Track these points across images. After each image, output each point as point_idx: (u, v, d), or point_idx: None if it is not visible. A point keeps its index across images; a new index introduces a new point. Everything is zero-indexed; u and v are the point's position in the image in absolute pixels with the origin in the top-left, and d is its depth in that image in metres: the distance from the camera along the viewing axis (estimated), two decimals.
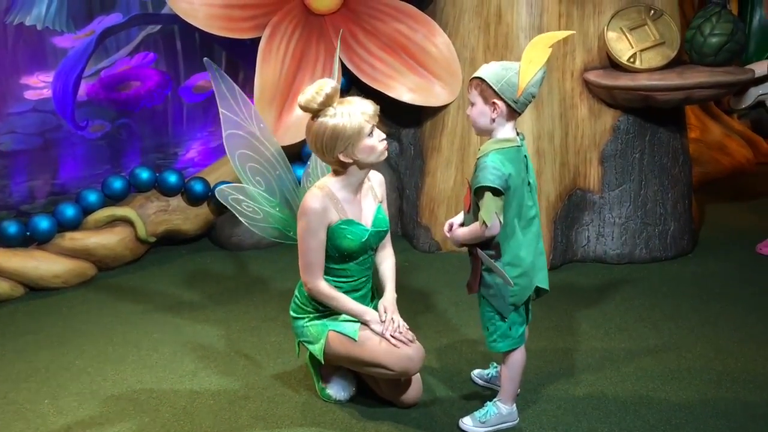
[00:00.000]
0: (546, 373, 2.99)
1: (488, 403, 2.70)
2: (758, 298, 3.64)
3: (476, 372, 2.98)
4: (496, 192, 2.39)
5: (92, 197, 4.14)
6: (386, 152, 2.62)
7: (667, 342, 3.26)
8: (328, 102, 2.51)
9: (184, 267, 4.23)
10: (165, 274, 4.13)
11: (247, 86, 4.58)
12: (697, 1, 5.03)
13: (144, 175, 4.26)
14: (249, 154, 3.39)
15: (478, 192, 2.42)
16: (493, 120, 2.43)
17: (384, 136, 2.59)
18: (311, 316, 2.74)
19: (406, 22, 4.17)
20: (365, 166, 2.61)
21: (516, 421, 2.71)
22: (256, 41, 4.12)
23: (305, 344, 2.77)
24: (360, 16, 4.18)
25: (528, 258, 2.52)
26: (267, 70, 4.06)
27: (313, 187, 2.64)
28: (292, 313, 2.81)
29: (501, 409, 2.67)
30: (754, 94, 5.84)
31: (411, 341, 2.63)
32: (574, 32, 2.69)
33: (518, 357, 2.64)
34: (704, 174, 5.17)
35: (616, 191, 4.03)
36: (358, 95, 4.33)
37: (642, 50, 3.83)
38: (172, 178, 4.28)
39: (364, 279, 2.73)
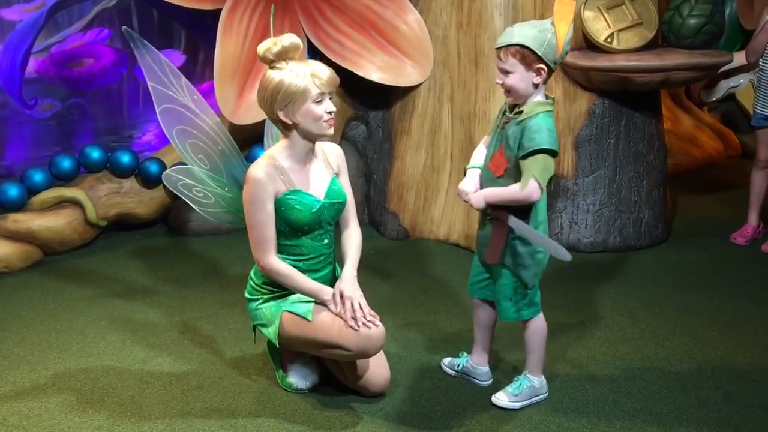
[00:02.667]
0: (519, 363, 2.85)
1: (519, 376, 2.62)
2: (735, 288, 3.57)
3: (446, 361, 2.83)
4: (554, 155, 2.33)
5: (38, 177, 3.93)
6: (331, 128, 2.45)
7: (644, 330, 3.15)
8: (283, 55, 2.38)
9: (137, 252, 4.01)
10: (116, 260, 3.91)
11: (208, 67, 4.39)
12: None
13: (95, 154, 4.04)
14: (187, 129, 3.15)
15: (535, 153, 2.31)
16: (536, 85, 2.36)
17: (334, 109, 2.42)
18: (265, 297, 2.58)
19: None
20: (306, 135, 2.45)
21: (546, 394, 2.62)
22: (216, 19, 3.92)
23: (260, 328, 2.60)
24: None
25: (545, 223, 2.49)
26: (228, 43, 3.86)
27: (259, 158, 2.48)
28: (246, 295, 2.65)
29: (533, 381, 2.60)
30: (724, 87, 5.84)
31: (371, 321, 2.45)
32: None
33: (540, 324, 2.57)
34: (676, 165, 5.12)
35: (590, 177, 3.92)
36: None
37: (619, 30, 3.72)
38: (126, 158, 4.06)
39: (321, 258, 2.55)
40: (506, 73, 2.36)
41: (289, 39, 2.39)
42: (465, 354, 2.80)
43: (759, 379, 2.78)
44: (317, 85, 2.37)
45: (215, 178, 3.22)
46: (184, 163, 3.28)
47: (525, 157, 2.33)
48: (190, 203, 3.26)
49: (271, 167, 2.44)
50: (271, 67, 2.41)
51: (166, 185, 3.25)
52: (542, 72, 2.32)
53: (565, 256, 2.35)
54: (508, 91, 2.38)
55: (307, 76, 2.36)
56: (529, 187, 2.31)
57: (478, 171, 2.50)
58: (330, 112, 2.41)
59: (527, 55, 2.31)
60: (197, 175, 3.19)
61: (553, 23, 2.30)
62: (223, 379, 2.78)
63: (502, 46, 2.35)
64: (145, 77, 3.17)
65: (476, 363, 2.74)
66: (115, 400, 2.65)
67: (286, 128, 2.46)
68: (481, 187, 2.48)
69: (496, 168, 2.43)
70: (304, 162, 2.50)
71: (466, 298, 3.43)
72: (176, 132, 3.16)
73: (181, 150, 3.18)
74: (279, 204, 2.45)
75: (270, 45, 2.39)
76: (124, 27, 3.20)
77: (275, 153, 2.48)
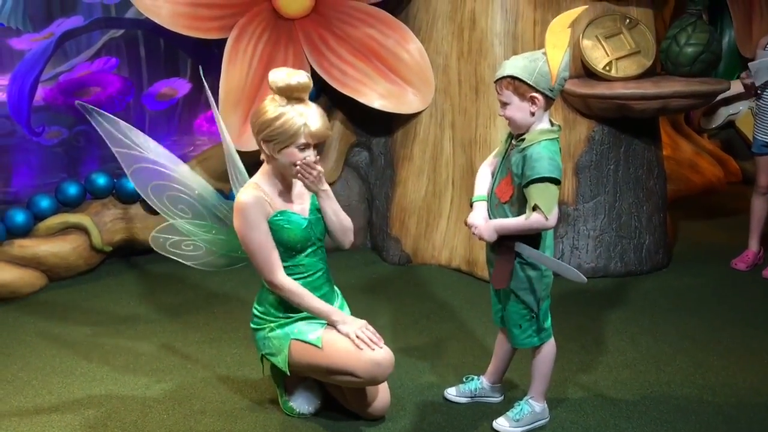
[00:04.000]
0: (522, 387, 2.86)
1: (520, 401, 2.63)
2: (736, 313, 3.58)
3: (452, 390, 2.82)
4: (557, 182, 2.35)
5: (44, 203, 3.96)
6: (300, 177, 2.45)
7: (645, 355, 3.16)
8: (288, 91, 2.42)
9: (142, 278, 4.04)
10: (121, 285, 3.94)
11: (213, 95, 4.45)
12: (670, 12, 5.04)
13: (101, 180, 4.09)
14: (162, 183, 3.15)
15: (536, 182, 2.34)
16: (533, 113, 2.39)
17: (313, 159, 2.44)
18: (272, 326, 2.60)
19: (378, 28, 4.09)
20: (281, 170, 2.51)
21: (547, 419, 2.63)
22: (222, 48, 4.00)
23: (268, 357, 2.62)
24: (331, 20, 4.09)
25: (552, 248, 2.52)
26: (233, 72, 3.93)
27: (245, 186, 2.54)
28: (252, 326, 2.68)
29: (534, 406, 2.61)
30: (724, 114, 5.89)
31: (377, 343, 2.49)
32: (587, 6, 2.76)
33: (550, 350, 2.60)
34: (676, 191, 5.14)
35: (590, 203, 3.95)
36: (329, 103, 4.26)
37: (618, 59, 3.78)
38: (131, 185, 4.08)
39: (320, 273, 2.60)
40: (504, 105, 2.42)
41: (298, 78, 2.41)
42: (473, 377, 2.82)
43: (759, 404, 2.79)
44: (305, 135, 2.41)
45: (200, 224, 3.22)
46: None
47: (527, 185, 2.36)
48: (182, 261, 3.26)
49: (258, 192, 2.49)
50: (275, 97, 2.45)
51: (155, 249, 3.25)
52: (536, 101, 2.37)
53: (579, 278, 2.39)
54: (510, 122, 2.44)
55: (299, 123, 2.40)
56: (533, 217, 2.35)
57: (485, 204, 2.52)
58: (304, 161, 2.41)
59: (519, 86, 2.36)
60: (181, 228, 3.19)
61: (545, 52, 2.36)
62: (226, 404, 2.79)
63: (497, 80, 2.42)
64: (109, 144, 3.17)
65: (491, 382, 2.78)
66: (118, 424, 2.67)
67: (266, 157, 2.52)
68: (489, 212, 2.51)
69: (502, 194, 2.47)
70: (285, 185, 2.56)
71: (468, 323, 3.46)
72: (151, 189, 3.16)
73: (159, 206, 3.17)
74: (270, 227, 2.50)
75: (276, 79, 2.42)
76: (77, 101, 3.21)
77: (257, 180, 2.54)
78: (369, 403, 2.61)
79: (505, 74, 2.38)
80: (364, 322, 2.55)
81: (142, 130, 4.49)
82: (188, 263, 3.27)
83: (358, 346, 2.46)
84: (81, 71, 4.27)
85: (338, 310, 2.58)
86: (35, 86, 4.09)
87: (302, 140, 2.41)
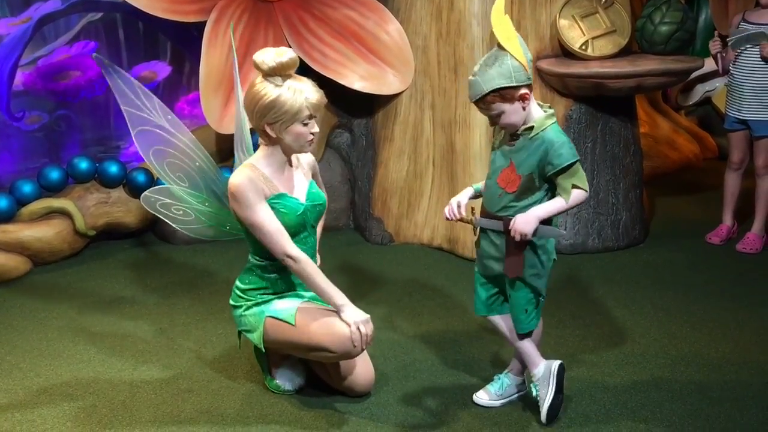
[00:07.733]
0: (500, 362, 2.94)
1: (500, 375, 2.70)
2: (709, 286, 3.67)
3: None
4: (579, 160, 2.39)
5: (27, 188, 3.97)
6: (311, 147, 2.55)
7: (620, 328, 3.25)
8: (281, 70, 2.44)
9: (126, 261, 4.07)
10: (105, 269, 3.97)
11: (194, 77, 4.46)
12: None
13: (83, 165, 4.10)
14: (164, 149, 3.18)
15: (569, 167, 2.35)
16: (525, 108, 2.37)
17: (318, 131, 2.52)
18: (249, 304, 2.65)
19: (357, 9, 4.11)
20: (286, 150, 2.55)
21: (525, 392, 2.71)
22: (202, 31, 4.00)
23: (245, 333, 2.68)
24: (310, 2, 4.10)
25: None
26: (213, 55, 3.94)
27: (239, 167, 2.57)
28: (231, 302, 2.73)
29: (514, 380, 2.70)
30: (701, 90, 5.97)
31: (366, 345, 2.53)
32: None
33: (539, 329, 2.65)
34: (653, 168, 5.22)
35: None
36: None
37: (594, 38, 3.83)
38: (113, 169, 4.12)
39: None
40: (497, 116, 2.37)
41: (289, 55, 2.44)
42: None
43: (729, 372, 2.88)
44: (308, 107, 2.45)
45: (194, 195, 3.26)
46: (163, 182, 3.33)
47: (558, 174, 2.36)
48: (171, 223, 3.30)
49: (253, 174, 2.52)
50: (266, 78, 2.46)
51: (145, 207, 3.27)
52: (526, 96, 2.35)
53: (562, 234, 2.55)
54: (507, 127, 2.41)
55: (301, 98, 2.43)
56: (576, 196, 2.37)
57: (471, 190, 2.56)
58: (314, 134, 2.50)
59: (505, 94, 2.32)
60: (176, 194, 3.22)
61: (502, 47, 2.32)
62: (212, 383, 2.85)
63: (478, 99, 2.37)
64: (118, 102, 3.19)
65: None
66: (106, 404, 2.71)
67: (269, 140, 2.54)
68: (487, 203, 2.49)
69: (506, 184, 2.43)
70: (283, 169, 2.59)
71: (450, 300, 3.53)
72: (153, 153, 3.20)
73: (158, 170, 3.21)
74: None
75: (271, 57, 2.42)
76: (93, 54, 3.26)
77: (255, 162, 2.56)
78: (353, 381, 2.67)
79: (486, 91, 2.33)
80: (368, 317, 2.52)
81: (122, 114, 4.53)
82: (175, 225, 3.33)
83: (353, 342, 2.47)
84: (60, 55, 4.25)
85: (343, 295, 2.55)
86: (14, 71, 4.07)
87: (306, 113, 2.45)
